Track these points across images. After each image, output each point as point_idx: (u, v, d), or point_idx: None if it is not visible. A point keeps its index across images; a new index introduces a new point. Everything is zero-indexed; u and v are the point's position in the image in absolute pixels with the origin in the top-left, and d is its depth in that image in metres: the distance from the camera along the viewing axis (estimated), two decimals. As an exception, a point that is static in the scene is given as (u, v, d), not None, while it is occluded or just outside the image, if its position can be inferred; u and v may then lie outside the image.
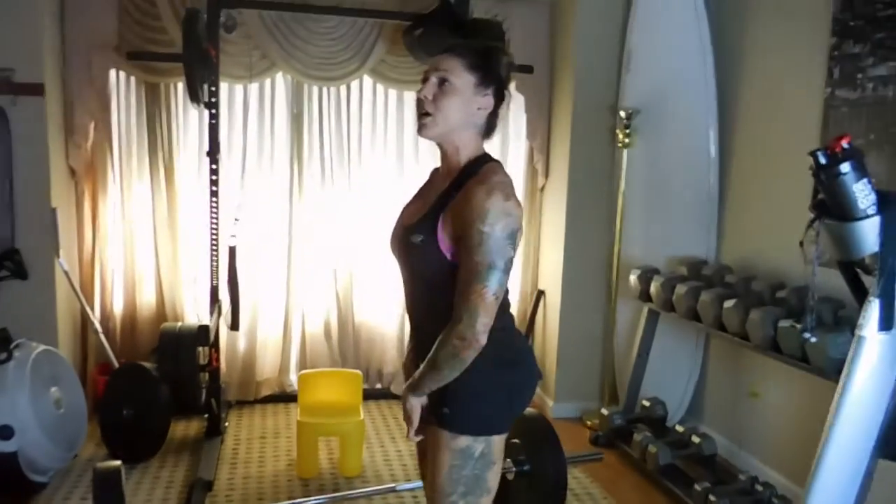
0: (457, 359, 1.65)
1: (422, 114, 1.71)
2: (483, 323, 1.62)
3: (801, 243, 1.92)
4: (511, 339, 1.84)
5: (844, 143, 1.68)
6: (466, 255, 1.62)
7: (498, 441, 1.79)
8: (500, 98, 1.75)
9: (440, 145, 1.77)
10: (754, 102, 3.56)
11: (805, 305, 2.43)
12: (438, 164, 1.85)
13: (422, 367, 1.70)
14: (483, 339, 1.63)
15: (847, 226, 1.73)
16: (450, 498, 1.76)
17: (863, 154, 1.75)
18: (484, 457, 1.76)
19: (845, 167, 1.68)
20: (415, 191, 1.94)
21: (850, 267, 1.96)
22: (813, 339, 2.38)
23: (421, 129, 1.74)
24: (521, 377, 1.85)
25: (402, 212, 1.89)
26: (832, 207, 1.75)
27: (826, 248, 1.83)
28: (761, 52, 3.50)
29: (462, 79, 1.68)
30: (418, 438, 1.81)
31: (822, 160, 1.70)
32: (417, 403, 1.76)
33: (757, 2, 3.52)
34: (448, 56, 1.71)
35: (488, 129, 1.77)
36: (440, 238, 1.67)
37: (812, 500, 1.86)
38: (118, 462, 2.45)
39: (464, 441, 1.73)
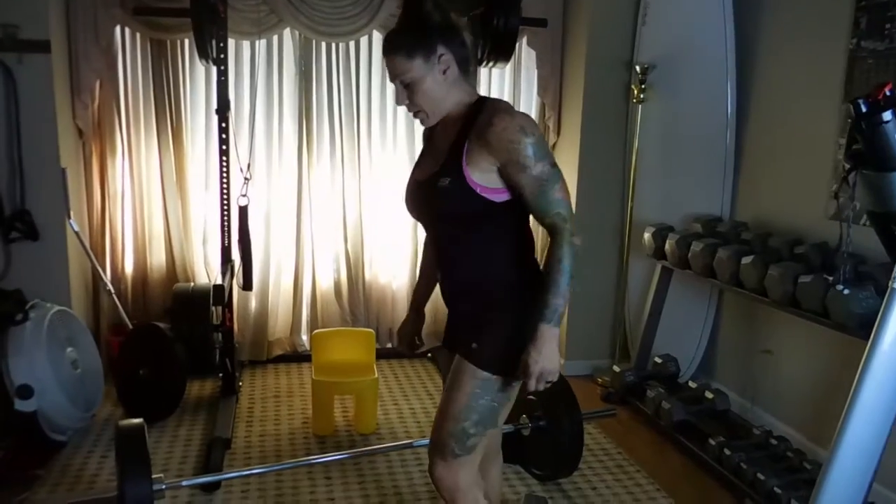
0: (574, 260, 1.71)
1: (414, 114, 1.82)
2: (572, 215, 1.75)
3: (836, 195, 1.89)
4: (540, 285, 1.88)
5: (887, 91, 1.64)
6: (525, 171, 1.69)
7: (518, 381, 1.86)
8: (451, 42, 1.76)
9: None
10: (775, 56, 3.50)
11: (836, 259, 2.41)
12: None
13: (547, 298, 1.71)
14: None
15: (886, 176, 1.70)
16: (461, 424, 1.83)
17: (904, 103, 1.72)
18: (504, 391, 1.84)
19: (887, 115, 1.64)
20: (411, 163, 2.04)
21: (884, 219, 1.93)
22: (846, 292, 2.37)
23: (423, 123, 1.85)
24: None
25: (413, 173, 1.96)
26: (870, 157, 1.72)
27: (861, 199, 1.80)
28: (783, 2, 3.43)
29: (413, 70, 1.73)
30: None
31: (863, 108, 1.67)
32: (557, 334, 1.76)
33: (778, -49, 3.44)
34: (389, 59, 1.75)
35: (463, 70, 1.81)
36: (468, 175, 1.72)
37: (842, 448, 1.86)
38: (140, 419, 2.44)
39: (488, 373, 1.82)
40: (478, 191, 1.72)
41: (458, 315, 1.95)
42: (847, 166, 1.78)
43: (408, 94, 1.77)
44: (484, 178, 1.73)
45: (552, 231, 1.73)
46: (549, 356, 1.73)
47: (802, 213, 3.29)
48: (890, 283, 1.85)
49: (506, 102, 1.80)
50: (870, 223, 2.01)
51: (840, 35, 3.04)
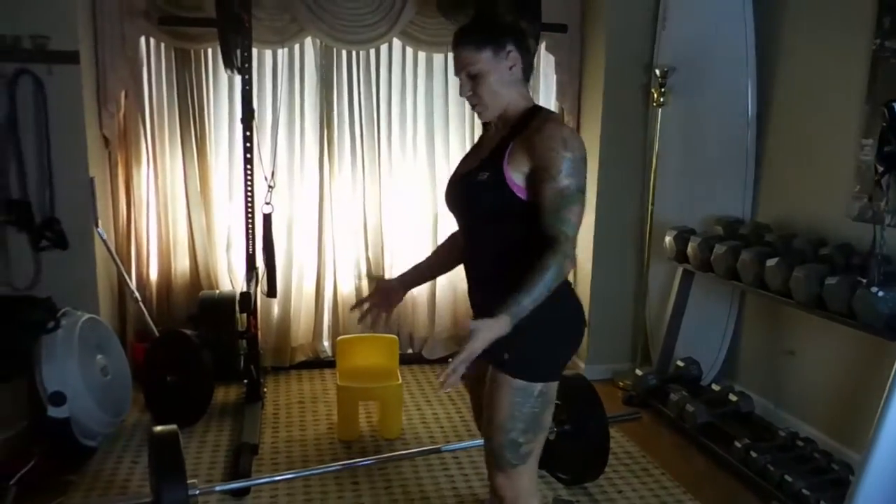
0: (559, 278, 1.70)
1: (473, 106, 1.86)
2: (576, 241, 1.74)
3: (870, 198, 1.90)
4: (567, 287, 1.90)
5: (920, 94, 1.65)
6: (551, 180, 1.71)
7: (554, 383, 1.89)
8: (520, 44, 1.84)
9: None
10: (796, 57, 3.50)
11: (871, 261, 2.41)
12: (468, 129, 1.97)
13: (517, 294, 1.67)
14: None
15: (920, 178, 1.72)
16: (510, 434, 1.84)
17: (937, 105, 1.73)
18: (543, 395, 1.85)
19: (920, 118, 1.67)
20: (456, 157, 2.09)
21: (915, 220, 1.94)
22: (881, 294, 2.37)
23: (480, 116, 1.89)
24: (577, 324, 1.94)
25: (458, 166, 2.01)
26: (904, 160, 1.74)
27: (894, 201, 1.81)
28: (805, 3, 3.43)
29: (481, 62, 1.78)
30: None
31: (897, 111, 1.68)
32: (507, 329, 1.68)
33: (799, -49, 3.44)
34: (459, 49, 1.81)
35: (526, 74, 1.88)
36: (507, 173, 1.76)
37: (877, 448, 1.87)
38: (174, 426, 2.47)
39: (523, 381, 1.82)
40: (514, 190, 1.77)
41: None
42: (880, 169, 1.79)
43: (472, 85, 1.81)
44: (521, 178, 1.77)
45: (551, 242, 1.71)
46: (485, 339, 1.67)
47: (825, 214, 3.28)
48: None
49: (559, 116, 1.83)
50: (900, 224, 2.03)
51: (863, 34, 3.03)
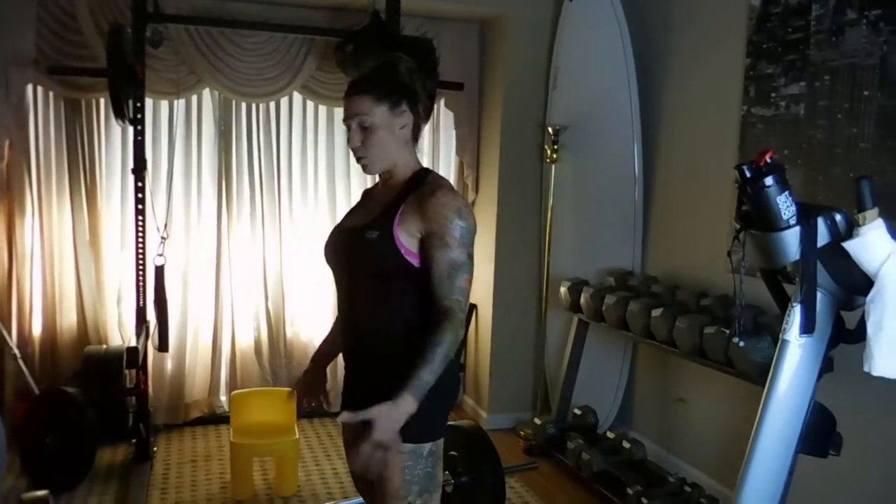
0: (455, 347, 1.70)
1: (359, 157, 1.83)
2: (467, 309, 1.76)
3: (729, 253, 2.03)
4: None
5: (768, 158, 1.80)
6: (444, 248, 1.73)
7: (441, 440, 1.87)
8: (414, 106, 1.83)
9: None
10: (676, 119, 3.74)
11: (731, 313, 2.55)
12: (369, 184, 1.91)
13: (418, 370, 1.64)
14: None
15: (771, 236, 1.85)
16: (407, 499, 1.80)
17: (784, 168, 1.88)
18: (433, 454, 1.83)
19: (769, 180, 1.81)
20: (341, 213, 1.98)
21: (773, 275, 2.08)
22: (742, 344, 2.51)
23: (365, 169, 1.86)
24: (452, 378, 1.90)
25: (342, 222, 1.98)
26: (757, 219, 1.87)
27: (750, 257, 1.94)
28: (682, 71, 3.68)
29: (377, 115, 1.78)
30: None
31: (748, 174, 1.82)
32: (413, 409, 1.64)
33: (678, 24, 3.69)
34: (356, 98, 1.80)
35: (414, 136, 1.88)
36: (396, 234, 1.76)
37: (744, 492, 1.96)
38: (45, 492, 2.33)
39: (412, 444, 1.78)
40: (402, 251, 1.76)
41: (362, 384, 1.89)
42: (737, 227, 1.92)
43: (363, 137, 1.80)
44: (410, 241, 1.76)
45: (445, 314, 1.71)
46: (396, 422, 1.63)
47: (706, 267, 3.46)
48: (780, 333, 1.98)
49: (449, 182, 1.86)
50: (762, 278, 2.17)
51: (733, 101, 3.28)
